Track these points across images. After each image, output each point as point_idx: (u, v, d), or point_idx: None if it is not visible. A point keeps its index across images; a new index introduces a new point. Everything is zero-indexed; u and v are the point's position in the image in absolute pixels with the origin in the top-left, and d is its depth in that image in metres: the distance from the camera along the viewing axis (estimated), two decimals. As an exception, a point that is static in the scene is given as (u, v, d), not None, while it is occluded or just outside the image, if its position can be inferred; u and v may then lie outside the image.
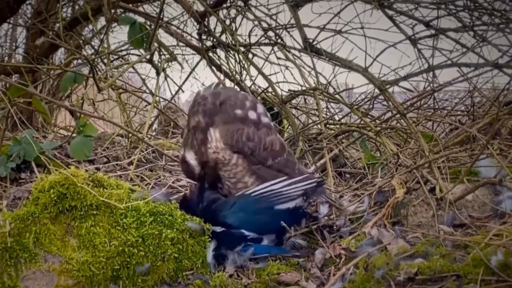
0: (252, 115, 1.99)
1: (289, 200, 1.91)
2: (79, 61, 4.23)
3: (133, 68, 4.04)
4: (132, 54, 4.35)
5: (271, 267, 1.79)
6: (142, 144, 2.78)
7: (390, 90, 2.92)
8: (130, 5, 3.94)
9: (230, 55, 3.56)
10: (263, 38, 3.45)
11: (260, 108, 2.05)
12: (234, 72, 3.58)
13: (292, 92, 3.37)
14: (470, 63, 2.77)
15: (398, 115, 2.88)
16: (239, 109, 1.98)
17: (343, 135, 3.08)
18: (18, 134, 2.73)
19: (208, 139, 1.94)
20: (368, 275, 1.63)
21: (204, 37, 3.59)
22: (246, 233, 1.87)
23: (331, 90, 3.29)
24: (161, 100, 4.12)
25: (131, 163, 2.71)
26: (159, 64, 3.27)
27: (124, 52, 4.36)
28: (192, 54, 4.43)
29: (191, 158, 1.97)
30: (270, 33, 3.41)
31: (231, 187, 1.99)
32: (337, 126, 3.20)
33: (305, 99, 3.81)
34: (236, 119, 1.95)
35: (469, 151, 2.32)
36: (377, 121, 3.20)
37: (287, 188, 1.91)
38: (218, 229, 1.86)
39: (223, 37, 3.54)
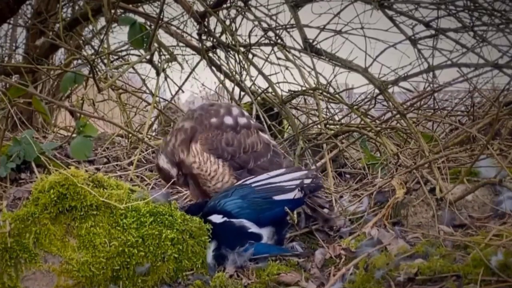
0: (228, 120, 2.04)
1: (287, 192, 1.93)
2: (79, 61, 4.23)
3: (133, 68, 4.04)
4: (132, 54, 4.35)
5: (271, 267, 1.79)
6: (142, 144, 2.78)
7: (390, 90, 2.92)
8: (130, 5, 3.94)
9: (230, 55, 3.56)
10: (263, 38, 3.46)
11: (236, 110, 2.10)
12: (234, 73, 3.58)
13: (292, 92, 3.37)
14: (470, 64, 2.77)
15: (398, 116, 2.88)
16: (214, 118, 2.03)
17: (343, 135, 3.08)
18: (18, 135, 2.73)
19: (191, 153, 2.00)
20: (368, 276, 1.63)
21: (204, 37, 3.59)
22: (247, 224, 1.88)
23: (331, 90, 3.29)
24: (161, 100, 4.13)
25: (131, 163, 2.71)
26: (159, 65, 3.27)
27: (124, 53, 4.37)
28: (192, 54, 4.44)
29: (163, 163, 2.02)
30: (270, 34, 3.41)
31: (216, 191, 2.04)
32: (337, 126, 3.20)
33: (305, 99, 3.81)
34: (212, 127, 2.01)
35: (469, 151, 2.32)
36: (377, 121, 3.20)
37: (285, 181, 1.95)
38: (219, 218, 1.87)
39: (223, 38, 3.54)
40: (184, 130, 2.03)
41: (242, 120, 2.08)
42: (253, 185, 1.94)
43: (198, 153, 1.99)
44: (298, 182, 1.95)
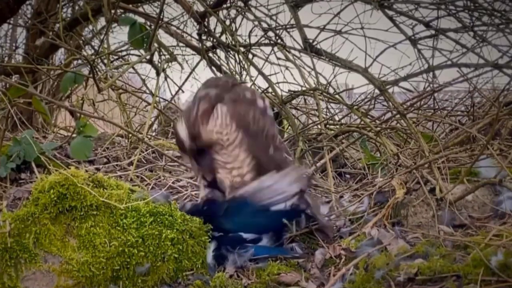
0: (260, 103, 1.93)
1: (284, 200, 1.90)
2: (79, 61, 4.23)
3: (133, 68, 4.05)
4: (132, 54, 4.36)
5: (271, 267, 1.79)
6: (142, 144, 2.78)
7: (390, 90, 2.92)
8: (130, 5, 3.95)
9: (230, 55, 3.57)
10: (263, 38, 3.46)
11: (267, 101, 2.01)
12: (234, 73, 3.58)
13: (292, 93, 3.38)
14: (470, 64, 2.77)
15: (398, 116, 2.88)
16: (249, 92, 1.93)
17: (343, 135, 3.08)
18: (18, 135, 2.73)
19: (214, 114, 1.84)
20: (368, 276, 1.63)
21: (204, 37, 3.60)
22: (245, 235, 1.87)
23: (331, 91, 3.29)
24: (161, 100, 4.13)
25: (131, 163, 2.71)
26: (159, 65, 3.28)
27: (124, 53, 4.37)
28: (192, 54, 4.45)
29: (181, 129, 1.87)
30: (270, 34, 3.42)
31: (225, 176, 1.92)
32: (337, 126, 3.20)
33: (305, 100, 3.81)
34: (245, 100, 1.88)
35: (469, 151, 2.32)
36: (377, 121, 3.20)
37: (279, 184, 1.88)
38: (216, 233, 1.87)
39: (223, 38, 3.54)
40: (208, 98, 1.85)
41: (270, 112, 1.98)
42: (246, 195, 1.87)
43: (222, 115, 1.83)
44: (294, 184, 1.90)
